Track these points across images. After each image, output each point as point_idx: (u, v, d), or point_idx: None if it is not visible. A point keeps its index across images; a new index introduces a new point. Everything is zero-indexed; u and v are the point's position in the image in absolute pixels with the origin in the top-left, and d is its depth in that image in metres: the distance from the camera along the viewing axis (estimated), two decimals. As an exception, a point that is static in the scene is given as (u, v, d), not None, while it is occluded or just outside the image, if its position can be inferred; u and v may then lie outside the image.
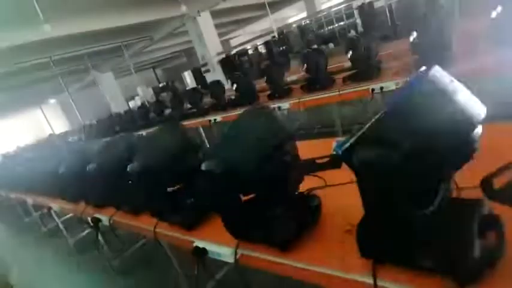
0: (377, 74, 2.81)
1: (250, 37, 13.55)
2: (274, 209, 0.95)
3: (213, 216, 1.28)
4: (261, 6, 12.86)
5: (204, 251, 1.17)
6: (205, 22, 8.47)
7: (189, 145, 1.23)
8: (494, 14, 2.11)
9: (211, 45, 8.61)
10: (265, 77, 3.51)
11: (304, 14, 15.15)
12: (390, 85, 2.58)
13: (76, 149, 2.75)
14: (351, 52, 2.76)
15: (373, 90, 2.67)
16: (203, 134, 4.70)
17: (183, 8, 5.51)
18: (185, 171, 1.26)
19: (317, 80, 3.11)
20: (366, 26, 6.07)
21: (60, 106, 17.76)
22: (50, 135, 9.14)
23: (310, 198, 1.04)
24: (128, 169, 1.16)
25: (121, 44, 8.90)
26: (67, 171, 2.23)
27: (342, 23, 11.31)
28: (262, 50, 13.13)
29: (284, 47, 8.38)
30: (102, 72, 11.78)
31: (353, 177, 0.69)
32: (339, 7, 9.45)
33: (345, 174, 0.82)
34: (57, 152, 3.40)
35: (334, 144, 0.75)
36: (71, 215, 3.62)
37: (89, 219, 2.21)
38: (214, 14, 9.12)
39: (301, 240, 0.94)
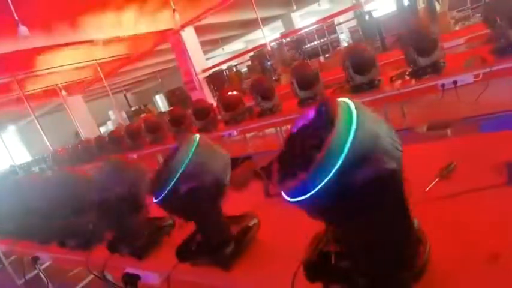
0: (439, 69, 2.42)
1: (226, 57, 13.23)
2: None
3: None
4: (238, 26, 12.72)
5: None
6: (190, 38, 7.96)
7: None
8: None
9: (196, 62, 8.07)
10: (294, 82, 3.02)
11: (277, 35, 15.18)
12: (467, 78, 2.21)
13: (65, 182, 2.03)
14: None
15: (443, 85, 2.29)
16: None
17: (177, 17, 4.97)
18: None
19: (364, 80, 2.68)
20: (365, 34, 5.91)
21: (19, 134, 16.07)
22: (11, 166, 7.92)
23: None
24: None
25: (95, 62, 8.08)
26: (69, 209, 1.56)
27: (322, 40, 11.54)
28: (239, 68, 12.85)
29: (273, 61, 8.10)
30: (71, 95, 10.72)
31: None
32: (324, 23, 9.44)
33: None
34: (35, 187, 2.63)
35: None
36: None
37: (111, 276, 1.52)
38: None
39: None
